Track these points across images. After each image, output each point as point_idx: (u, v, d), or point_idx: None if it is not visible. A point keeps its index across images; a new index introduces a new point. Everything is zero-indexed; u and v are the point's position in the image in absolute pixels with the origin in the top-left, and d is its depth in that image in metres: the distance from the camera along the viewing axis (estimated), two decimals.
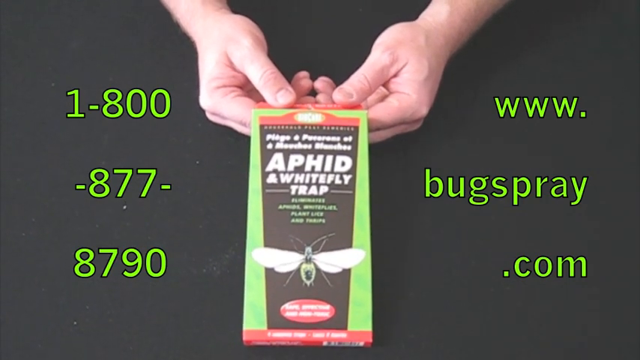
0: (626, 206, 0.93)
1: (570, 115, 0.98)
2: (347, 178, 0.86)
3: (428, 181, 0.92)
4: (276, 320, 0.81)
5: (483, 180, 0.93)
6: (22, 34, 1.03)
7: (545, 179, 0.93)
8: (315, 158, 0.87)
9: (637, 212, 0.92)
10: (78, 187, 0.91)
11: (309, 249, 0.83)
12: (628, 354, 0.85)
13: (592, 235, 0.91)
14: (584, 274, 0.88)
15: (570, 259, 0.89)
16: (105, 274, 0.87)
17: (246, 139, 0.89)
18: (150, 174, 0.92)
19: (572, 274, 0.88)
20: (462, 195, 0.92)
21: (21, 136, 0.95)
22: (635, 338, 0.85)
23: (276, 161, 0.87)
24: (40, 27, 1.03)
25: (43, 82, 0.99)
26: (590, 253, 0.89)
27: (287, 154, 0.87)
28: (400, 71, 0.91)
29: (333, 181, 0.86)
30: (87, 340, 0.83)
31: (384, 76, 0.91)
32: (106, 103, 0.97)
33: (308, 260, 0.83)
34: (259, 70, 0.89)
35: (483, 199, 0.92)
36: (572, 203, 0.92)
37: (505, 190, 0.93)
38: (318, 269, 0.83)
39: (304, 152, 0.87)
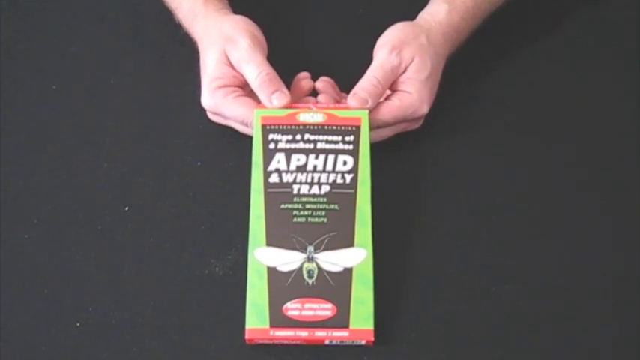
0: (626, 206, 0.93)
1: (570, 114, 0.98)
2: (349, 178, 0.86)
3: (429, 181, 0.92)
4: (278, 319, 0.81)
5: (486, 180, 0.93)
6: (23, 37, 1.03)
7: (546, 179, 0.93)
8: (316, 158, 0.87)
9: (637, 212, 0.92)
10: (79, 188, 0.92)
11: (311, 248, 0.83)
12: (628, 354, 0.85)
13: (591, 236, 0.91)
14: (584, 274, 0.88)
15: (570, 259, 0.89)
16: (107, 276, 0.87)
17: (247, 140, 0.90)
18: (152, 175, 0.92)
19: (572, 274, 0.88)
20: (464, 194, 0.92)
21: (22, 137, 0.95)
22: (635, 338, 0.85)
23: (278, 161, 0.87)
24: (40, 29, 1.03)
25: (45, 85, 0.99)
26: (590, 254, 0.89)
27: (289, 153, 0.87)
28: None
29: (334, 181, 0.86)
30: (90, 341, 0.84)
31: (394, 77, 0.91)
32: (108, 104, 0.97)
33: (310, 259, 0.83)
34: (255, 71, 0.89)
35: (486, 199, 0.92)
36: (572, 204, 0.92)
37: (509, 192, 0.92)
38: (320, 268, 0.83)
39: (306, 152, 0.87)
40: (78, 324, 0.84)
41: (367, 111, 0.89)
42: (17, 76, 1.00)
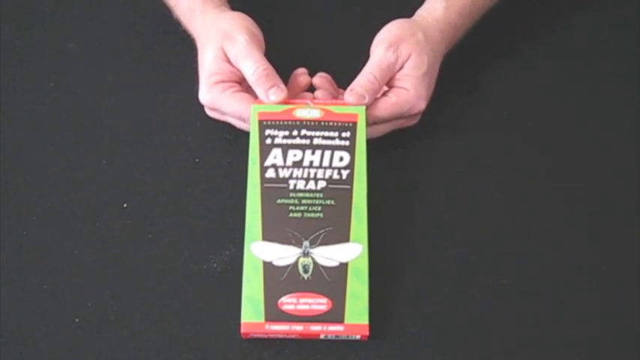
0: (626, 206, 0.92)
1: (568, 111, 0.98)
2: (345, 173, 0.87)
3: (426, 177, 0.93)
4: (273, 313, 0.82)
5: (482, 176, 0.93)
6: (21, 34, 1.03)
7: (545, 178, 0.93)
8: (313, 153, 0.87)
9: (637, 212, 0.92)
10: (78, 185, 0.92)
11: (306, 243, 0.84)
12: (628, 354, 0.84)
13: (592, 235, 0.91)
14: (584, 274, 0.88)
15: (571, 259, 0.89)
16: (106, 272, 0.87)
17: (244, 137, 0.90)
18: (150, 171, 0.93)
19: (572, 274, 0.88)
20: (460, 190, 0.92)
21: (20, 134, 0.96)
22: (635, 338, 0.85)
23: (275, 156, 0.87)
24: (38, 27, 1.04)
25: (42, 81, 0.99)
26: (589, 254, 0.89)
27: (285, 149, 0.87)
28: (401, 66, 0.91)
29: (331, 176, 0.86)
30: (88, 337, 0.84)
31: (391, 74, 0.91)
32: (105, 101, 0.98)
33: (306, 254, 0.83)
34: (252, 67, 0.90)
35: (482, 195, 0.92)
36: (572, 203, 0.92)
37: (504, 188, 0.92)
38: (315, 263, 0.83)
39: (303, 147, 0.88)
40: (77, 320, 0.84)
41: (364, 107, 0.89)
42: (15, 72, 1.00)
